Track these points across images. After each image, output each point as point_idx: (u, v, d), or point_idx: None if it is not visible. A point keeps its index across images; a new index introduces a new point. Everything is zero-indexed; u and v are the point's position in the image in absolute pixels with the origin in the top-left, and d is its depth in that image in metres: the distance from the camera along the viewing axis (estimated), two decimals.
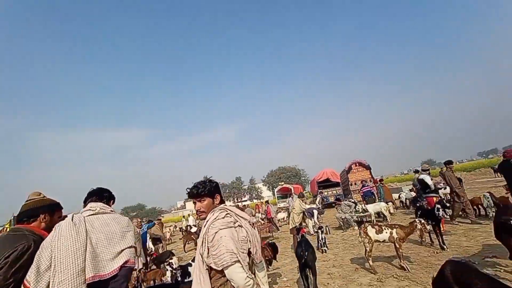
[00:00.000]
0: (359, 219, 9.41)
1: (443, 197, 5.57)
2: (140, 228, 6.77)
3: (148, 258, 6.82)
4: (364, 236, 4.35)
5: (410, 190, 11.85)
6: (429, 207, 5.52)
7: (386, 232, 4.26)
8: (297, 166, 64.55)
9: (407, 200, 10.89)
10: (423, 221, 4.16)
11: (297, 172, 62.87)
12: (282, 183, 24.96)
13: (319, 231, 6.40)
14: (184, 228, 16.71)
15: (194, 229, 13.94)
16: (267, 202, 18.52)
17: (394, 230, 4.24)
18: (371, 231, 4.35)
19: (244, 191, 72.07)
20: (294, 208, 6.74)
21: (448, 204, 5.09)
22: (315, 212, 10.97)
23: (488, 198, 6.91)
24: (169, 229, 19.05)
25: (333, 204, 21.20)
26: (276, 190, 23.37)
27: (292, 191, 21.44)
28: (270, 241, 4.48)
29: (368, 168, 21.29)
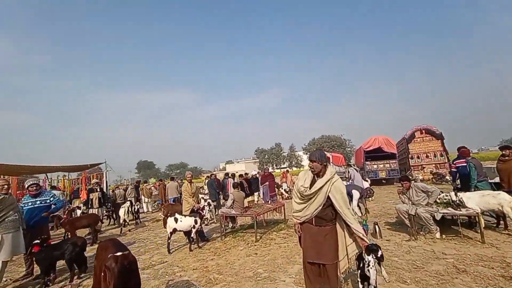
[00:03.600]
0: (451, 218, 4.97)
1: None
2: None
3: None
4: None
5: None
6: None
7: None
8: (342, 135, 57.94)
9: None
10: None
11: (342, 142, 56.49)
12: None
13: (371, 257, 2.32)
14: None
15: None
16: (287, 171, 14.64)
17: None
18: None
19: (284, 158, 69.39)
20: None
21: None
22: (356, 194, 6.76)
23: None
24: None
25: (383, 181, 16.30)
26: None
27: (331, 160, 16.99)
28: None
29: (439, 137, 15.23)
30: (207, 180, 10.70)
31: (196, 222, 5.28)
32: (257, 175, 9.79)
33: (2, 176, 6.27)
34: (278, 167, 64.97)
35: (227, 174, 10.36)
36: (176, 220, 5.25)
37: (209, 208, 5.65)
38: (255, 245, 5.30)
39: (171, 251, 5.18)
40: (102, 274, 1.81)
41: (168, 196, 9.37)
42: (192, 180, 6.16)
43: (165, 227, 5.56)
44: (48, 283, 3.87)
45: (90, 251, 5.75)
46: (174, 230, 5.22)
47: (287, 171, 15.27)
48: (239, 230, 6.48)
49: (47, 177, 11.72)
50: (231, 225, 6.61)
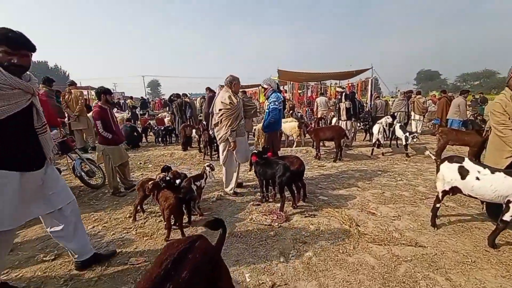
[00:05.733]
0: None
1: None
2: None
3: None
4: None
5: None
6: None
7: None
8: None
9: None
10: None
11: None
12: None
13: None
14: None
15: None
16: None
17: None
18: None
19: None
20: None
21: None
22: None
23: None
24: None
25: None
26: None
27: None
28: None
29: None
30: None
31: None
32: None
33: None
34: None
35: None
36: (463, 172, 2.37)
37: None
38: None
39: (436, 226, 2.64)
40: None
41: (448, 117, 5.84)
42: None
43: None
44: (266, 198, 3.31)
45: (329, 168, 4.79)
46: (454, 191, 2.46)
47: None
48: None
49: (320, 83, 12.48)
50: None
